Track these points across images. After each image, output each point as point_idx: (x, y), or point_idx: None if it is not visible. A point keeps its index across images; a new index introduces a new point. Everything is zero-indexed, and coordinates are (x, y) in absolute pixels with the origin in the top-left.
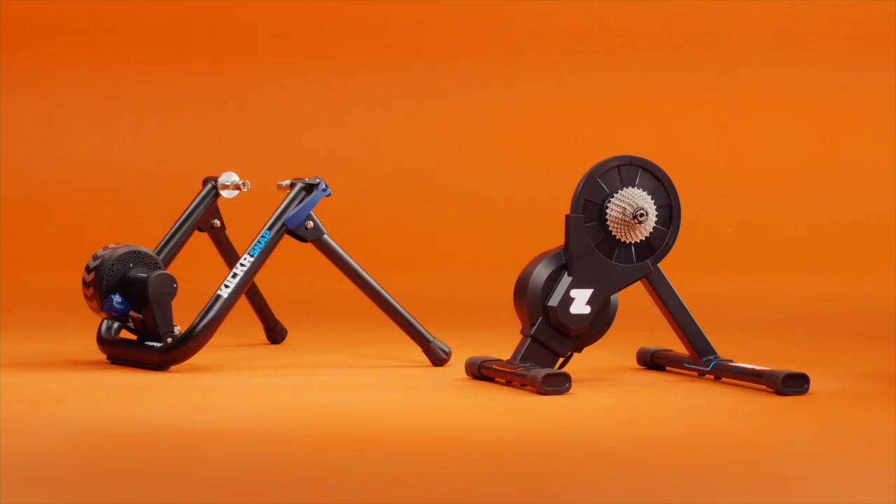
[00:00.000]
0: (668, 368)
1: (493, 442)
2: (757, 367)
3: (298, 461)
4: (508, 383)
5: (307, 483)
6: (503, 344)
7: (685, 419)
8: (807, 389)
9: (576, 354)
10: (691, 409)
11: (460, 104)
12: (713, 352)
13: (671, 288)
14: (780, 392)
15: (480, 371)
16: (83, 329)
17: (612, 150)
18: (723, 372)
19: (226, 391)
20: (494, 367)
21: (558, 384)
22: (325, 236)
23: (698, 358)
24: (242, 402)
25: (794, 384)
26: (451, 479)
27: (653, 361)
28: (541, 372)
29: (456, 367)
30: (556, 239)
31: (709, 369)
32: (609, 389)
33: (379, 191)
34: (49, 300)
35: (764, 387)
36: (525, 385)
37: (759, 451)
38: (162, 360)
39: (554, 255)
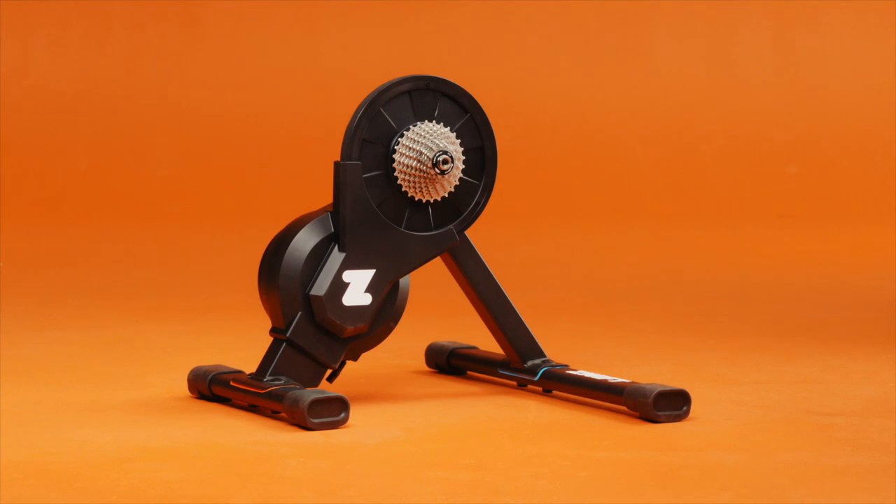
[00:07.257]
0: (471, 373)
1: None
2: (611, 379)
3: None
4: (252, 409)
5: None
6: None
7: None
8: (687, 412)
9: (350, 364)
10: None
11: None
12: (542, 354)
13: (484, 266)
14: (650, 417)
15: (211, 390)
16: None
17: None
18: (557, 383)
19: None
20: (232, 383)
21: (331, 414)
22: None
23: (521, 362)
24: None
25: (669, 405)
26: None
27: (449, 363)
28: (304, 395)
29: None
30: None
31: (536, 379)
32: (395, 415)
33: None
34: None
35: (622, 406)
36: (279, 413)
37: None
38: None
39: (319, 221)
